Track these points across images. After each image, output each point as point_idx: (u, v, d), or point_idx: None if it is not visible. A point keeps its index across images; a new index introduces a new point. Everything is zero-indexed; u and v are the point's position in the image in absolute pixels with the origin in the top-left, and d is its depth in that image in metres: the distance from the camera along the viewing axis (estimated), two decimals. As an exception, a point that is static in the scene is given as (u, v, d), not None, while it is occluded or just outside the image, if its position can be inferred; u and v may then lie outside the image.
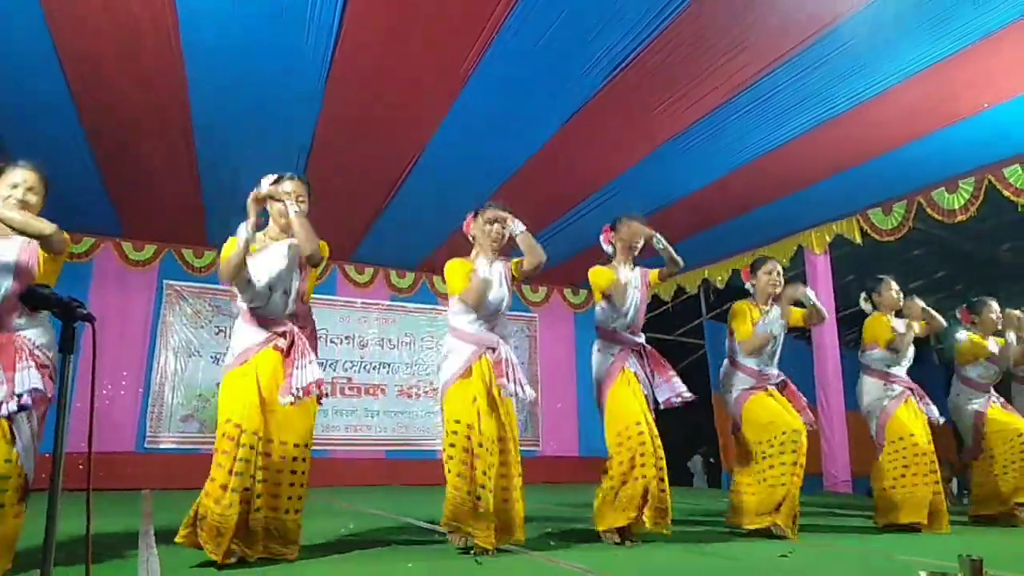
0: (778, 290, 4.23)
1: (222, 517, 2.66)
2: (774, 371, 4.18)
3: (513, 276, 3.57)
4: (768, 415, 4.01)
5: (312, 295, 3.26)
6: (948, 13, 4.24)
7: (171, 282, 8.61)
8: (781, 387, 4.18)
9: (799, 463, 3.85)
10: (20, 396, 2.42)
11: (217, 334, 8.50)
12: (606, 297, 3.86)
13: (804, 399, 4.18)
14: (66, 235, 2.65)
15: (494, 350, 3.38)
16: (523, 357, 10.04)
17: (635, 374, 3.74)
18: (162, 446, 8.06)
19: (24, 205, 2.63)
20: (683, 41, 4.53)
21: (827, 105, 5.29)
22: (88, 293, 7.96)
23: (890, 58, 4.70)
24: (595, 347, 3.92)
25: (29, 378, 2.45)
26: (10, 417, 2.43)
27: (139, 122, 5.57)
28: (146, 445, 7.99)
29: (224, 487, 2.69)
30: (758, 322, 4.18)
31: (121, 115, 5.44)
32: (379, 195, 7.13)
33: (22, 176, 2.67)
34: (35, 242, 2.60)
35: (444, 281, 3.57)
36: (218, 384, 2.95)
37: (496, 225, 3.49)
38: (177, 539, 2.71)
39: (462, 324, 3.44)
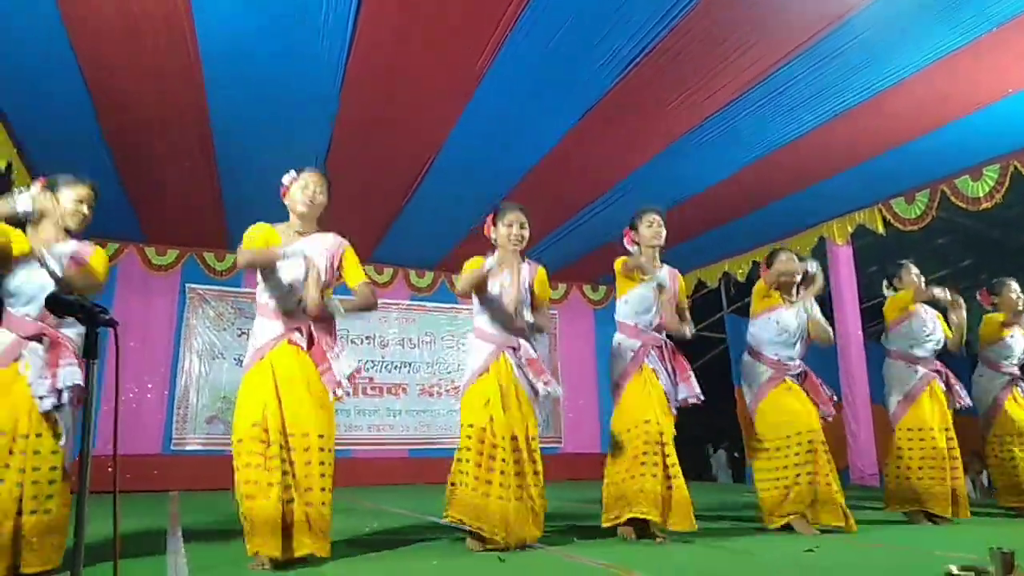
0: (796, 279, 4.19)
1: (275, 510, 2.71)
2: (795, 362, 4.12)
3: (533, 289, 3.55)
4: (781, 415, 3.97)
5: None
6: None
7: (193, 286, 8.72)
8: (801, 378, 4.12)
9: (815, 462, 3.83)
10: (61, 392, 2.62)
11: (240, 336, 8.56)
12: (631, 292, 3.81)
13: (825, 391, 4.12)
14: (96, 277, 2.93)
15: (515, 349, 3.40)
16: (543, 354, 10.03)
17: (653, 370, 3.71)
18: (188, 448, 8.16)
19: (85, 219, 2.95)
20: (696, 36, 4.48)
21: (843, 97, 5.20)
22: (113, 299, 8.05)
23: (906, 48, 4.61)
24: (615, 339, 3.87)
25: (71, 375, 2.64)
26: (56, 409, 2.64)
27: (158, 127, 5.62)
28: (172, 447, 8.10)
29: (269, 483, 2.74)
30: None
31: (140, 121, 5.50)
32: (397, 195, 7.15)
33: (86, 193, 2.95)
34: (89, 245, 2.95)
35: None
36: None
37: (514, 227, 3.49)
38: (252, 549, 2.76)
39: (482, 324, 3.48)
